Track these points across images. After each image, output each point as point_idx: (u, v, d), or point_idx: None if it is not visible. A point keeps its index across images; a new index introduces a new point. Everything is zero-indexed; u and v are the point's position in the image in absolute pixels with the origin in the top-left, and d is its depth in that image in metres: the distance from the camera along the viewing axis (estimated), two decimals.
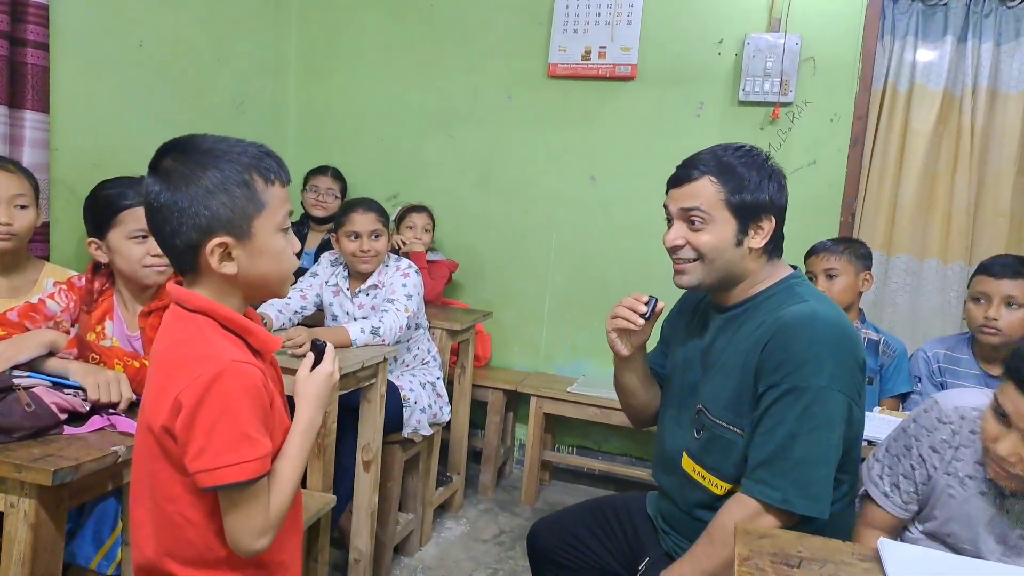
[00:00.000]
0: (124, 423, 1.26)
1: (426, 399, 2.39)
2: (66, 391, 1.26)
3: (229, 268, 0.95)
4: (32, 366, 1.30)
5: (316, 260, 2.54)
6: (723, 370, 1.31)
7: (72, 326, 1.53)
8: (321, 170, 3.15)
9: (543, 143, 3.14)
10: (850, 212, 2.83)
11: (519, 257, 3.22)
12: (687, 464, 1.36)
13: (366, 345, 2.10)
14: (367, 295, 2.33)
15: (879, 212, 2.86)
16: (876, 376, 2.23)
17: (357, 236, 2.28)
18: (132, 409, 1.33)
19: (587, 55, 3.02)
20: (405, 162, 3.36)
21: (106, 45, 2.46)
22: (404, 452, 2.35)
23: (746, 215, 1.28)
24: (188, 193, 0.92)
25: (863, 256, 2.27)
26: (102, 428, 1.24)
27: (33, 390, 1.19)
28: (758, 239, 1.30)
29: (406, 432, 2.32)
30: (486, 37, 3.20)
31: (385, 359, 2.10)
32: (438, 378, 2.50)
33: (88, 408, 1.27)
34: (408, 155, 3.36)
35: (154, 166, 0.96)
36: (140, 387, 1.35)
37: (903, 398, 2.23)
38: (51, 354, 1.34)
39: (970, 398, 1.23)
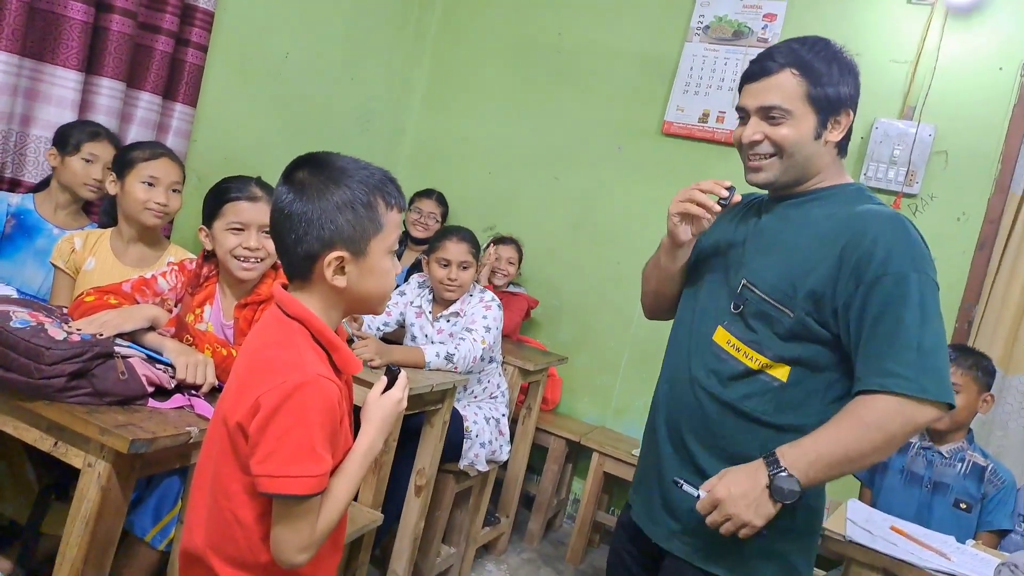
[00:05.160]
0: (202, 406, 1.32)
1: (488, 434, 2.38)
2: (157, 366, 1.33)
3: (340, 281, 0.99)
4: (133, 337, 1.39)
5: (407, 279, 2.61)
6: (779, 249, 1.28)
7: (175, 305, 1.64)
8: (427, 193, 3.26)
9: (646, 197, 3.12)
10: (967, 319, 2.63)
11: (604, 306, 3.19)
12: (720, 336, 1.30)
13: (438, 369, 2.12)
14: (448, 321, 2.37)
15: (1000, 324, 2.63)
16: (976, 504, 2.01)
17: (447, 264, 2.32)
18: (213, 393, 1.39)
19: (704, 117, 3.00)
20: (507, 196, 3.43)
21: (257, 53, 2.67)
22: (457, 484, 2.34)
23: (827, 108, 1.25)
24: (318, 206, 0.97)
25: (988, 374, 2.08)
26: (182, 407, 1.30)
27: (129, 360, 1.27)
28: (836, 133, 1.28)
29: (462, 464, 2.31)
30: (606, 86, 3.24)
31: (454, 387, 2.11)
32: (503, 415, 2.49)
33: (173, 385, 1.34)
34: (511, 190, 3.42)
35: (288, 176, 1.01)
36: (224, 374, 1.42)
37: (1001, 535, 2.01)
38: (152, 328, 1.42)
39: None
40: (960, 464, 2.05)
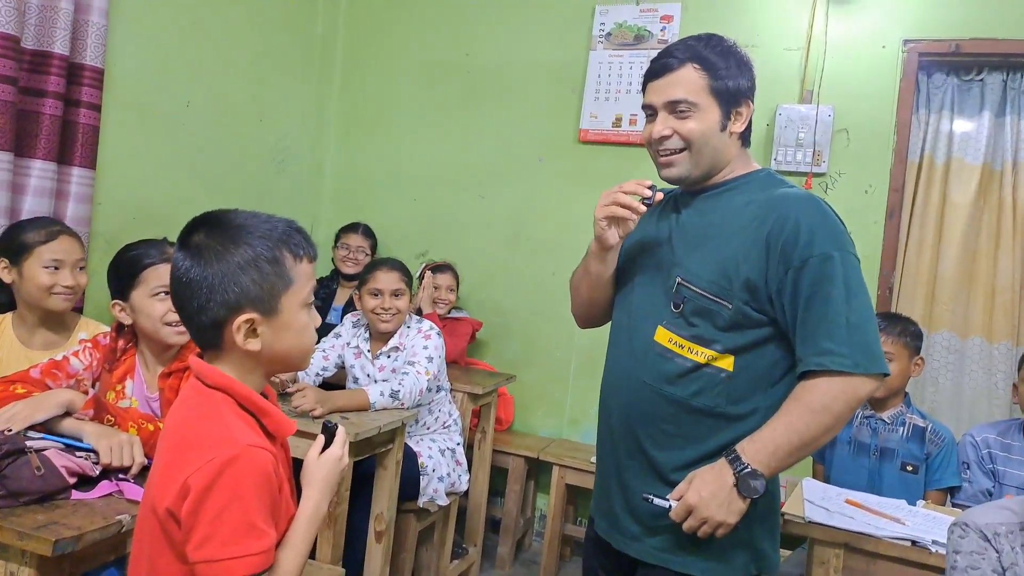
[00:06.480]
0: (132, 490, 1.24)
1: (445, 467, 2.33)
2: (78, 453, 1.25)
3: (254, 344, 0.94)
4: (47, 426, 1.30)
5: (342, 318, 2.55)
6: (707, 243, 1.30)
7: (93, 385, 1.54)
8: (352, 227, 3.19)
9: (573, 205, 3.14)
10: (887, 286, 2.75)
11: (545, 318, 3.19)
12: (662, 336, 1.30)
13: (385, 408, 2.07)
14: (388, 357, 2.32)
15: (918, 286, 2.78)
16: (921, 465, 2.08)
17: (379, 294, 2.28)
18: (143, 474, 1.31)
19: (618, 122, 3.05)
20: (436, 221, 3.39)
21: (155, 105, 2.56)
22: (419, 521, 2.29)
23: (728, 100, 1.29)
24: (219, 269, 0.92)
25: (917, 337, 2.15)
26: (110, 494, 1.22)
27: (44, 453, 1.18)
28: (739, 124, 1.32)
29: (422, 501, 2.26)
30: (520, 102, 3.25)
31: (404, 424, 2.06)
32: (458, 443, 2.45)
33: (98, 472, 1.25)
34: (439, 214, 3.39)
35: (184, 241, 0.96)
36: (153, 451, 1.34)
37: (950, 491, 2.09)
38: (68, 414, 1.33)
39: (992, 515, 1.22)
40: (902, 428, 2.12)
